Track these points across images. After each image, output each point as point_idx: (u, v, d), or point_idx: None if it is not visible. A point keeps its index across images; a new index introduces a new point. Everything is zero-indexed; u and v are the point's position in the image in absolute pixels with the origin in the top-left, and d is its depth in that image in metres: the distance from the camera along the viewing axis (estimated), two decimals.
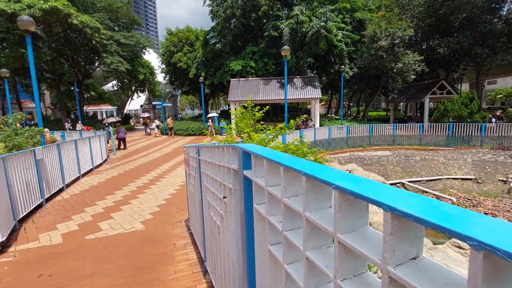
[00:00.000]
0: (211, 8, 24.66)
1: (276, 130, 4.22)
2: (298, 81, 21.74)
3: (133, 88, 31.80)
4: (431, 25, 21.85)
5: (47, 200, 6.42)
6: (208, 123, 22.22)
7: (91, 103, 35.88)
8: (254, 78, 22.59)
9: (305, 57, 21.49)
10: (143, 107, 46.30)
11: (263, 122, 4.87)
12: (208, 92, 28.72)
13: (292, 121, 4.40)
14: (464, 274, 0.47)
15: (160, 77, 35.16)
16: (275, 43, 22.18)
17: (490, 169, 13.24)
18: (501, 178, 12.64)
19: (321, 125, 20.61)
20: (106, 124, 18.43)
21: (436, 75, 25.82)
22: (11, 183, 4.78)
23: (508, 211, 10.30)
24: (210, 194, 2.51)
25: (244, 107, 4.59)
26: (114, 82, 31.41)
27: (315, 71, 26.55)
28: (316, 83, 21.23)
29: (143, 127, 28.11)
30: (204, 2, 24.99)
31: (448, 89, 21.31)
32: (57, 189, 7.05)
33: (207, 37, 26.66)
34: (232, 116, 19.92)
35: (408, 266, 0.53)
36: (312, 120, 20.44)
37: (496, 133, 15.01)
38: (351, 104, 42.50)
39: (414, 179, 13.71)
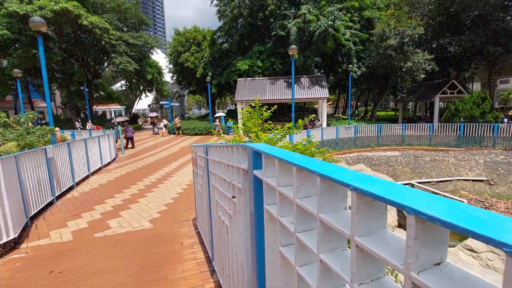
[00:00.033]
0: (218, 8, 24.73)
1: (284, 130, 4.19)
2: (305, 81, 21.61)
3: (141, 88, 32.15)
4: (442, 23, 21.41)
5: (58, 198, 6.54)
6: (216, 123, 22.32)
7: (100, 103, 36.44)
8: (261, 78, 22.55)
9: (313, 57, 21.34)
10: (151, 106, 46.78)
11: (270, 122, 4.85)
12: (215, 91, 28.84)
13: (300, 120, 4.36)
14: (493, 282, 0.45)
15: (167, 77, 35.45)
16: (282, 42, 22.09)
17: (502, 171, 12.91)
18: None
19: (328, 125, 20.45)
20: (116, 124, 18.68)
21: (446, 74, 25.30)
22: (23, 181, 4.87)
23: None
24: (218, 193, 2.51)
25: (252, 106, 4.58)
26: (123, 82, 31.83)
27: (322, 71, 26.35)
28: (324, 83, 21.07)
29: (151, 126, 28.40)
30: (212, 2, 25.07)
31: (459, 89, 20.86)
32: (67, 187, 7.17)
33: (214, 37, 26.75)
34: (239, 116, 20.01)
35: (432, 272, 0.51)
36: (319, 120, 20.29)
37: (509, 133, 14.62)
38: (358, 103, 42.06)
39: (423, 180, 13.47)
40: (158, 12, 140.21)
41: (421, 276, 0.49)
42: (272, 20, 22.79)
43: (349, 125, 17.70)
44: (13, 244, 4.22)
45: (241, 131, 4.72)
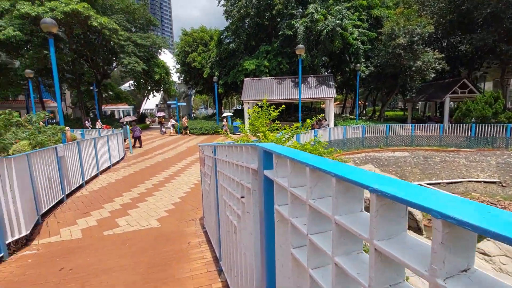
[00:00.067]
0: (225, 8, 24.79)
1: (292, 130, 4.16)
2: (312, 80, 21.48)
3: (149, 87, 32.48)
4: (453, 22, 20.96)
5: (68, 196, 6.65)
6: (223, 123, 22.39)
7: (109, 103, 36.98)
8: (268, 78, 22.51)
9: (320, 56, 21.18)
10: (158, 106, 47.22)
11: (278, 122, 4.82)
12: (221, 91, 28.92)
13: (308, 120, 4.32)
14: None
15: (175, 77, 35.74)
16: (290, 42, 22.00)
17: None
18: None
19: (335, 125, 20.28)
20: (124, 123, 18.92)
21: (457, 73, 24.78)
22: (35, 179, 4.97)
23: None
24: (226, 193, 2.50)
25: (259, 106, 4.56)
26: (131, 82, 32.21)
27: (329, 70, 26.15)
28: (331, 82, 20.90)
29: (158, 126, 28.67)
30: (219, 2, 25.15)
31: (470, 88, 20.40)
32: (77, 185, 7.29)
33: (221, 37, 26.83)
34: (246, 116, 20.02)
35: (459, 279, 0.48)
36: (326, 120, 20.14)
37: None
38: (366, 103, 41.58)
39: (433, 181, 13.22)
40: (165, 12, 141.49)
41: (448, 284, 0.47)
42: (279, 19, 22.72)
43: (357, 125, 17.51)
44: (25, 241, 4.30)
45: (248, 131, 4.71)
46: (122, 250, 3.99)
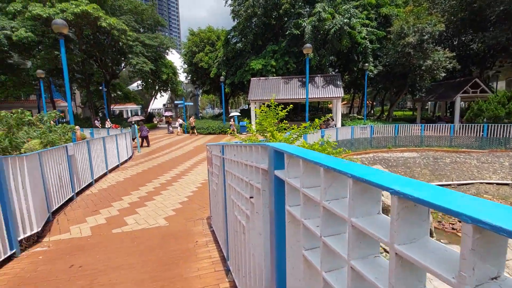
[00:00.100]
0: (232, 7, 24.83)
1: (300, 130, 4.13)
2: (319, 80, 21.33)
3: (157, 87, 32.82)
4: (464, 20, 20.51)
5: (78, 194, 6.75)
6: (230, 122, 22.45)
7: (118, 102, 37.52)
8: (275, 77, 22.45)
9: (328, 55, 21.03)
10: (166, 106, 47.68)
11: (286, 121, 4.79)
12: (228, 91, 29.00)
13: (317, 120, 4.28)
14: None
15: (182, 77, 36.00)
16: (297, 41, 21.89)
17: None
18: None
19: (342, 125, 20.09)
20: (133, 122, 19.14)
21: (468, 72, 24.26)
22: (46, 177, 5.06)
23: None
24: (234, 193, 2.49)
25: (268, 106, 4.54)
26: (139, 82, 32.58)
27: (337, 70, 25.93)
28: (338, 82, 20.72)
29: (166, 125, 28.93)
30: (226, 2, 25.21)
31: (482, 88, 19.92)
32: (87, 183, 7.40)
33: (228, 36, 26.89)
34: (253, 115, 20.01)
35: (489, 287, 0.45)
36: (333, 120, 19.97)
37: None
38: (374, 103, 41.08)
39: (443, 182, 12.95)
40: (173, 13, 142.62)
41: None
42: (286, 19, 22.64)
43: (365, 125, 17.31)
44: (36, 238, 4.39)
45: (256, 131, 4.69)
46: (131, 248, 4.03)
